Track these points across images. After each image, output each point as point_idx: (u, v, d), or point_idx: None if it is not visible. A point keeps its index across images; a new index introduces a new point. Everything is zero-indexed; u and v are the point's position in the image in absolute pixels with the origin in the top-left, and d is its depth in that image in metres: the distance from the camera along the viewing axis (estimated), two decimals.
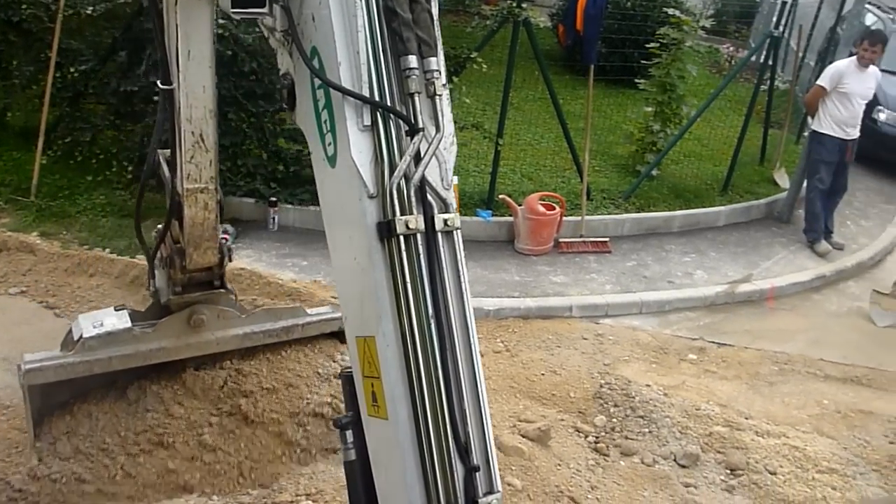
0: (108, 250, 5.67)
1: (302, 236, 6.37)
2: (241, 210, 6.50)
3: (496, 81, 7.49)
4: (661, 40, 8.28)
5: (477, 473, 1.70)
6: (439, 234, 1.71)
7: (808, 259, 7.68)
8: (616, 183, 8.06)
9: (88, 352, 3.37)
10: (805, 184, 8.21)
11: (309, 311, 4.01)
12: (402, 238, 1.65)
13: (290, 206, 6.50)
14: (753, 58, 9.98)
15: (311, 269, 5.88)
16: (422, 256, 1.68)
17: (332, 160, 1.77)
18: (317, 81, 1.79)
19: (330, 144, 1.77)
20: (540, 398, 4.90)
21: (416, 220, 1.67)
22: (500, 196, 6.98)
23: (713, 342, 6.02)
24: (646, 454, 4.47)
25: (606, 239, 7.15)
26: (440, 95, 1.76)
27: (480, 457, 1.72)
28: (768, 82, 9.23)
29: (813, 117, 7.92)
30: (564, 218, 6.93)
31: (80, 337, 3.38)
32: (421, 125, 1.72)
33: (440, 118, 1.76)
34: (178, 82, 2.91)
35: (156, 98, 6.20)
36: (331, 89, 1.73)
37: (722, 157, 8.90)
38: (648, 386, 5.05)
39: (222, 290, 3.61)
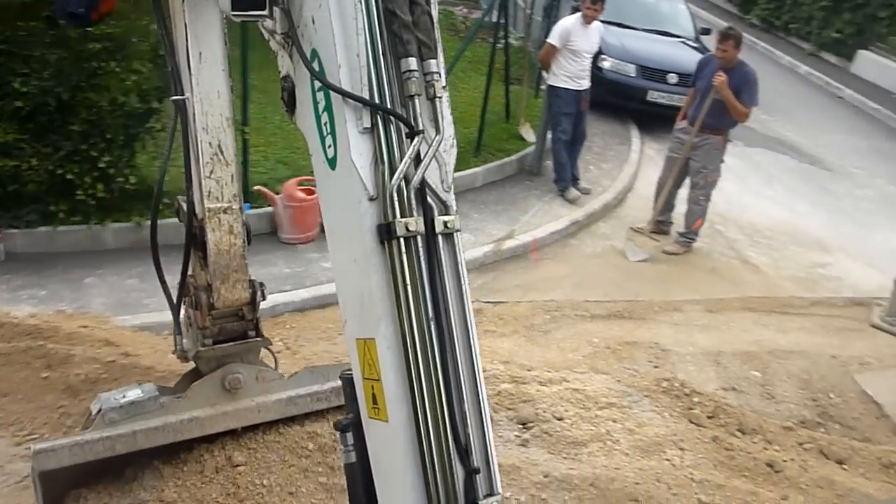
0: None
1: (35, 263, 5.62)
2: None
3: (233, 64, 7.07)
4: None
5: (477, 475, 1.71)
6: (439, 237, 1.74)
7: (562, 207, 8.14)
8: None
9: (109, 427, 2.89)
10: (550, 136, 8.66)
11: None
12: (402, 240, 1.67)
13: (14, 230, 5.70)
14: (487, 18, 10.30)
15: (51, 299, 5.21)
16: (422, 258, 1.70)
17: (331, 162, 1.78)
18: (317, 84, 1.79)
19: (330, 147, 1.78)
20: None
21: (416, 223, 1.68)
22: (256, 187, 6.63)
23: (488, 302, 6.18)
24: None
25: None
26: (440, 97, 1.77)
27: (481, 459, 1.74)
28: (503, 41, 9.57)
29: (548, 72, 8.34)
30: None
31: (100, 410, 2.92)
32: (421, 127, 1.73)
33: (440, 120, 1.77)
34: (190, 89, 2.70)
35: None
36: (331, 92, 1.73)
37: (471, 118, 9.12)
38: None
39: (258, 340, 3.12)
